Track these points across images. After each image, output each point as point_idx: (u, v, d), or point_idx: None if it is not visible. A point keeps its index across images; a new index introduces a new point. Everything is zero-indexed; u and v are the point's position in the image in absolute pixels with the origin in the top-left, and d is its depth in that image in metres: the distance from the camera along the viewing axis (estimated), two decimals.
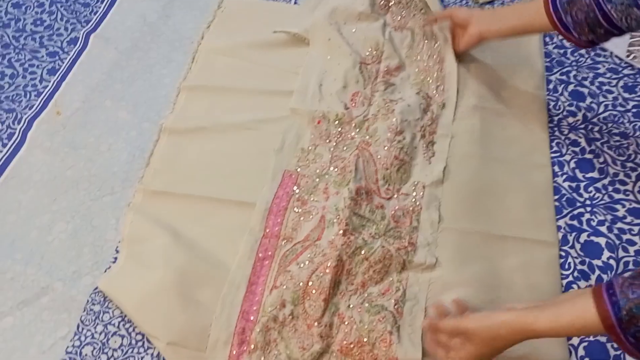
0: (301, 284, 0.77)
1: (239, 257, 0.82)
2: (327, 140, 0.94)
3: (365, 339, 0.72)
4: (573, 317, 0.55)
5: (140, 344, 0.78)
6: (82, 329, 0.79)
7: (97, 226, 0.90)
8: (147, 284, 0.81)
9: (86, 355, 0.77)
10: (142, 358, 0.77)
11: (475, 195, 0.86)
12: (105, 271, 0.85)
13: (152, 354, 0.77)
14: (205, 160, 0.95)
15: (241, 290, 0.79)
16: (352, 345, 0.72)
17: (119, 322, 0.80)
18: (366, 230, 0.82)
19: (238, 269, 0.81)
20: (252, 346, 0.74)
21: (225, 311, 0.77)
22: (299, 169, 0.91)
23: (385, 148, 0.89)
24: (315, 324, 0.74)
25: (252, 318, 0.77)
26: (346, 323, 0.74)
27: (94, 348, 0.78)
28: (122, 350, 0.78)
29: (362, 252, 0.79)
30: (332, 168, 0.90)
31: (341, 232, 0.80)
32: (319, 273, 0.77)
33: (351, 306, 0.75)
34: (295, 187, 0.89)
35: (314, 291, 0.76)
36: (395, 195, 0.86)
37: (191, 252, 0.84)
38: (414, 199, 0.85)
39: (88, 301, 0.82)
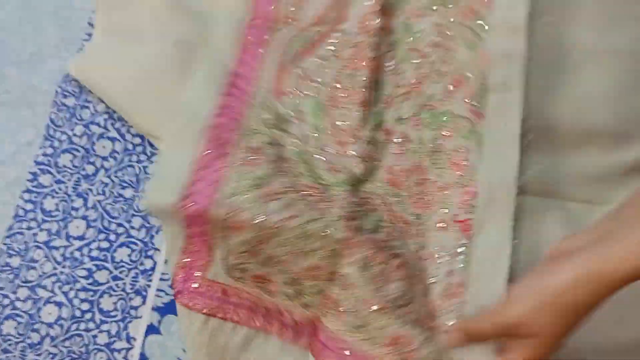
0: (325, 88, 0.50)
1: (215, 40, 0.53)
2: None
3: (426, 163, 0.47)
4: None
5: (140, 148, 0.54)
6: (55, 131, 0.55)
7: None
8: (138, 62, 0.55)
9: (64, 166, 0.54)
10: (144, 167, 0.53)
11: None
12: (78, 52, 0.58)
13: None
14: None
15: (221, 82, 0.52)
16: (407, 173, 0.47)
17: (106, 121, 0.55)
18: (410, 3, 0.52)
19: (215, 55, 0.53)
20: (253, 156, 0.48)
21: (192, 106, 0.50)
22: None
23: None
24: (352, 141, 0.48)
25: (238, 117, 0.50)
26: (397, 141, 0.49)
27: (74, 157, 0.54)
28: (116, 159, 0.54)
29: (409, 38, 0.50)
30: None
31: (374, 10, 0.50)
32: (350, 71, 0.50)
33: (404, 118, 0.49)
34: None
35: (344, 95, 0.49)
36: None
37: (192, 15, 0.56)
38: None
39: (57, 93, 0.56)
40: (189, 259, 0.48)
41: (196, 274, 0.48)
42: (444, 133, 0.46)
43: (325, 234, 0.44)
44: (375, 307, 0.44)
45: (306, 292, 0.46)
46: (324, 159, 0.48)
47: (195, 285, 0.47)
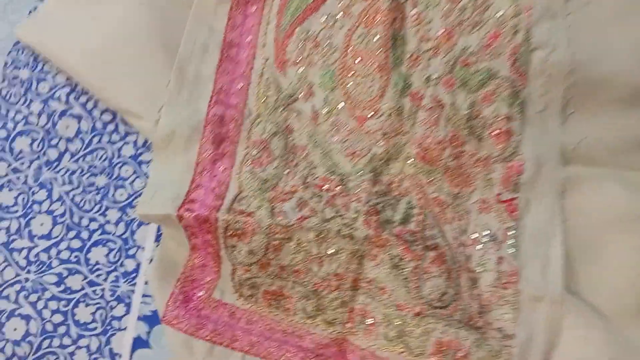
0: (335, 53, 0.42)
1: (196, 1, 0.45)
2: None
3: (465, 132, 0.39)
4: None
5: (111, 127, 0.45)
6: (7, 110, 0.46)
7: None
8: (104, 25, 0.45)
9: (21, 151, 0.45)
10: (119, 149, 0.45)
11: None
12: (30, 13, 0.48)
13: (134, 143, 0.44)
14: None
15: (212, 55, 0.43)
16: (442, 145, 0.39)
17: (68, 95, 0.46)
18: None
19: (199, 19, 0.44)
20: (258, 153, 0.41)
21: (185, 90, 0.43)
22: None
23: None
24: (371, 114, 0.40)
25: (235, 102, 0.42)
26: (427, 108, 0.40)
27: (33, 139, 0.45)
28: (83, 140, 0.45)
29: None
30: None
31: None
32: (363, 29, 0.41)
33: (433, 78, 0.40)
34: None
35: (359, 60, 0.41)
36: None
37: None
38: None
39: (7, 64, 0.47)
40: (192, 276, 0.40)
41: (199, 294, 0.40)
42: (481, 96, 0.39)
43: (345, 234, 0.38)
44: (412, 312, 0.37)
45: (328, 307, 0.39)
46: (340, 139, 0.41)
47: (198, 306, 0.40)
